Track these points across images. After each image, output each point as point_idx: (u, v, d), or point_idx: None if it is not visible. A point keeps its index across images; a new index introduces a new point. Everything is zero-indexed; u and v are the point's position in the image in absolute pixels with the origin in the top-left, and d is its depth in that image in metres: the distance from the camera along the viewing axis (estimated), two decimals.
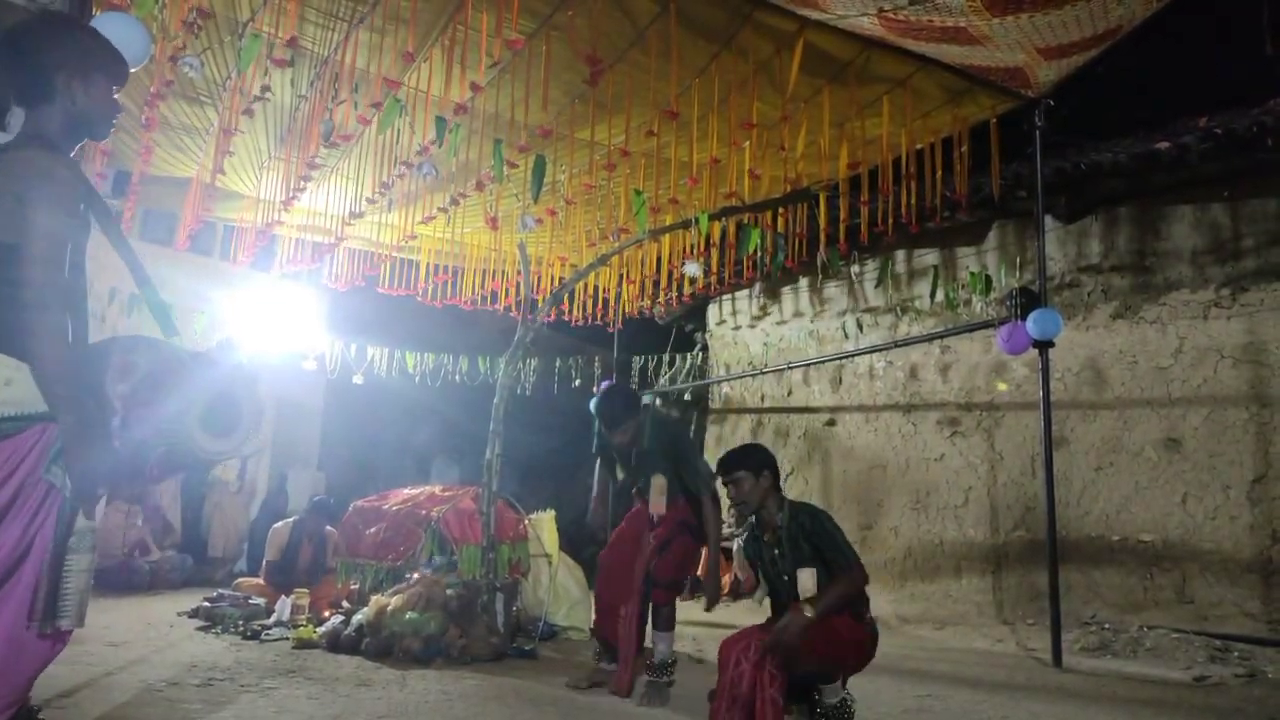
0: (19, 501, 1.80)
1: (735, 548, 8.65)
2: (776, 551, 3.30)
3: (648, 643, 3.98)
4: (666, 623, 3.87)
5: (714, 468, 3.59)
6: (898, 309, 7.70)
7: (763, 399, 8.80)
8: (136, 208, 6.99)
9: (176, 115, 5.85)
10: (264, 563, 6.55)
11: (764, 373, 8.27)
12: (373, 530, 5.51)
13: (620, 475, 4.22)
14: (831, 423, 8.07)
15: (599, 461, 4.36)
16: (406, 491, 5.97)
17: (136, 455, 1.97)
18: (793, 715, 3.51)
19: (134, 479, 2.07)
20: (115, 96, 2.10)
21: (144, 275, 2.18)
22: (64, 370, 1.80)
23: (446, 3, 4.55)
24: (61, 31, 2.04)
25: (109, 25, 2.84)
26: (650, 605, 3.93)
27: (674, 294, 7.92)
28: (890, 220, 5.93)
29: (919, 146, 5.73)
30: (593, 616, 4.25)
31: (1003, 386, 6.79)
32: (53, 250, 1.82)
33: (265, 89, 4.45)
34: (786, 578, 3.24)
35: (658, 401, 10.20)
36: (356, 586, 5.42)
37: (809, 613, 2.91)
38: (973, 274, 6.33)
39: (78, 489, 1.82)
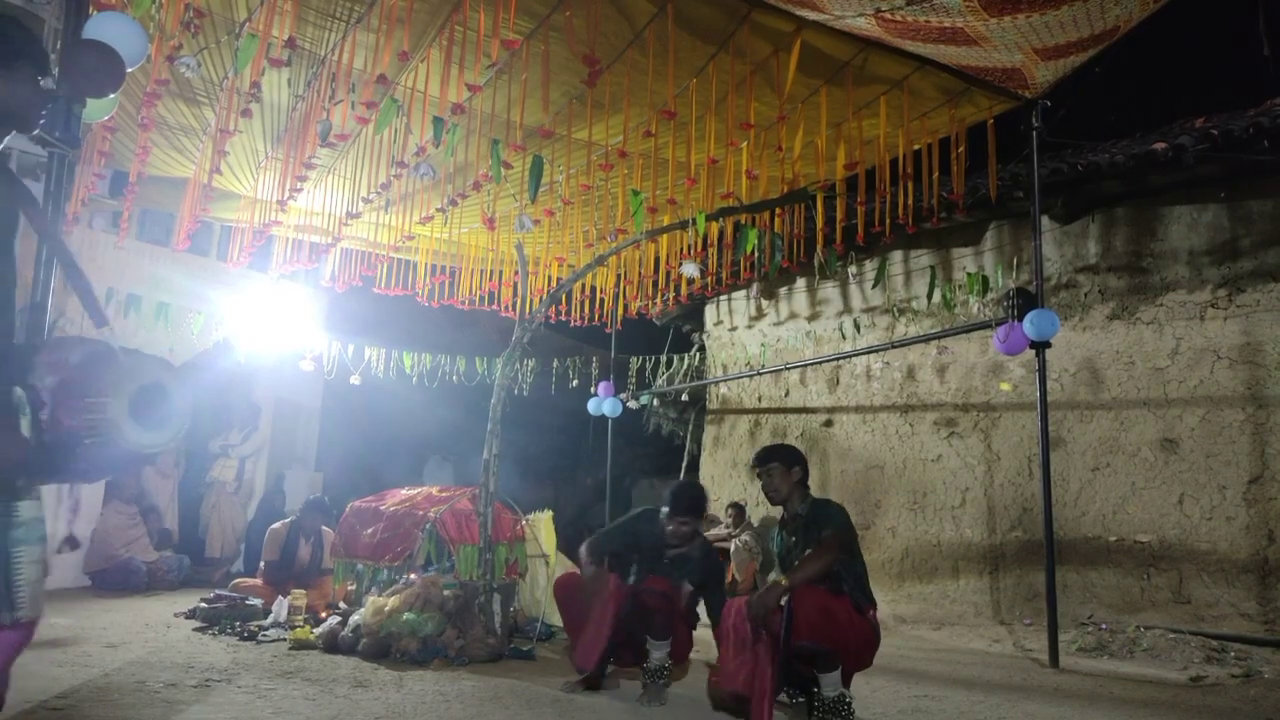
0: None
1: (733, 548, 8.65)
2: (794, 539, 3.58)
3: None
4: (660, 631, 3.80)
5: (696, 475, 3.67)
6: (895, 310, 7.70)
7: (760, 399, 8.81)
8: (134, 208, 6.99)
9: (174, 115, 5.84)
10: (261, 563, 6.54)
11: (761, 373, 8.27)
12: (370, 531, 5.51)
13: (631, 569, 4.09)
14: (829, 423, 8.08)
15: (592, 550, 4.07)
16: (404, 492, 5.97)
17: (62, 447, 1.95)
18: (793, 708, 3.56)
19: (60, 472, 2.02)
20: (45, 88, 2.04)
21: (72, 263, 2.17)
22: None
23: (444, 3, 4.55)
24: None
25: (106, 25, 2.84)
26: (638, 615, 3.86)
27: (671, 294, 7.93)
28: (887, 221, 5.94)
29: (916, 147, 5.74)
30: (571, 646, 4.11)
31: (1006, 387, 6.80)
32: None
33: (255, 85, 4.44)
34: (797, 562, 3.46)
35: (655, 402, 10.21)
36: (353, 587, 5.42)
37: (784, 581, 3.17)
38: (970, 275, 6.33)
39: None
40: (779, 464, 3.63)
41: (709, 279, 7.52)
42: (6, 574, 1.81)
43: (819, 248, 6.69)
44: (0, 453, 1.80)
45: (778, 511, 3.82)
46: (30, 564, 1.86)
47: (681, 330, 10.25)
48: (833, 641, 3.20)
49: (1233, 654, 5.00)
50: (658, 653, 3.81)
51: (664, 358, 9.61)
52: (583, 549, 4.11)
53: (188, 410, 2.16)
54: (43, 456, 1.92)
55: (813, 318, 8.48)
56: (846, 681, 3.36)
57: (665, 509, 4.00)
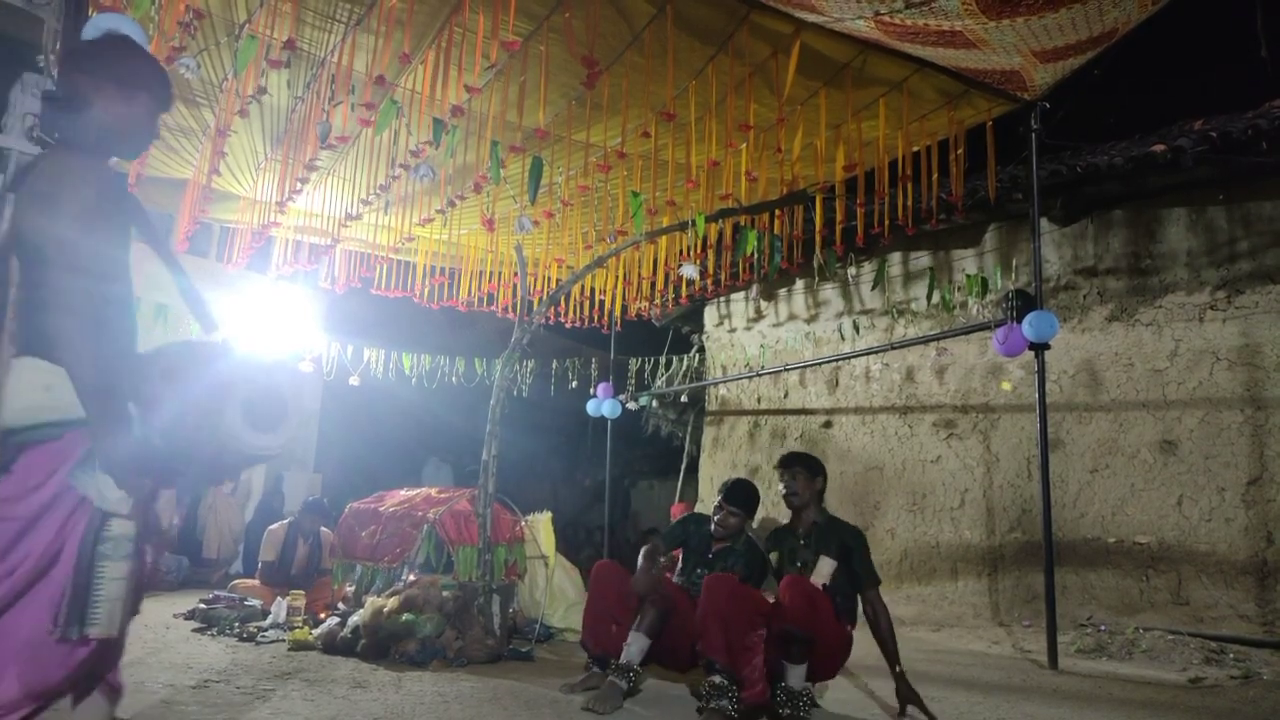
0: (54, 505, 1.81)
1: None
2: (801, 543, 3.72)
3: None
4: (648, 627, 3.69)
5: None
6: (894, 311, 7.71)
7: (759, 401, 8.81)
8: None
9: (173, 116, 5.84)
10: (259, 564, 6.54)
11: (761, 374, 8.27)
12: (368, 532, 5.51)
13: (680, 561, 4.14)
14: (828, 425, 8.08)
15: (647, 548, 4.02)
16: (403, 493, 5.96)
17: (181, 454, 1.97)
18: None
19: (178, 478, 2.05)
20: (155, 121, 2.13)
21: (186, 282, 2.24)
22: (91, 375, 1.80)
23: (443, 4, 4.55)
24: (113, 48, 2.09)
25: (106, 25, 2.83)
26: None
27: (671, 296, 7.93)
28: (886, 222, 5.94)
29: (915, 149, 5.74)
30: (582, 629, 4.08)
31: (1006, 387, 6.80)
32: (78, 256, 1.83)
33: (261, 90, 4.44)
34: (800, 564, 3.62)
35: (654, 403, 10.21)
36: (352, 588, 5.41)
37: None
38: (969, 276, 6.34)
39: (118, 480, 1.82)
40: (803, 469, 3.76)
41: (708, 280, 7.53)
42: (87, 587, 1.80)
43: (818, 249, 6.69)
44: (121, 458, 1.82)
45: (776, 514, 3.85)
46: (111, 581, 1.84)
47: (681, 331, 10.25)
48: (812, 628, 3.30)
49: (1231, 655, 5.01)
50: (634, 646, 3.65)
51: (663, 359, 9.61)
52: (642, 554, 4.02)
53: (298, 411, 2.18)
54: (162, 463, 1.94)
55: (812, 319, 8.49)
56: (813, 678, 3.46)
57: (718, 498, 3.99)
